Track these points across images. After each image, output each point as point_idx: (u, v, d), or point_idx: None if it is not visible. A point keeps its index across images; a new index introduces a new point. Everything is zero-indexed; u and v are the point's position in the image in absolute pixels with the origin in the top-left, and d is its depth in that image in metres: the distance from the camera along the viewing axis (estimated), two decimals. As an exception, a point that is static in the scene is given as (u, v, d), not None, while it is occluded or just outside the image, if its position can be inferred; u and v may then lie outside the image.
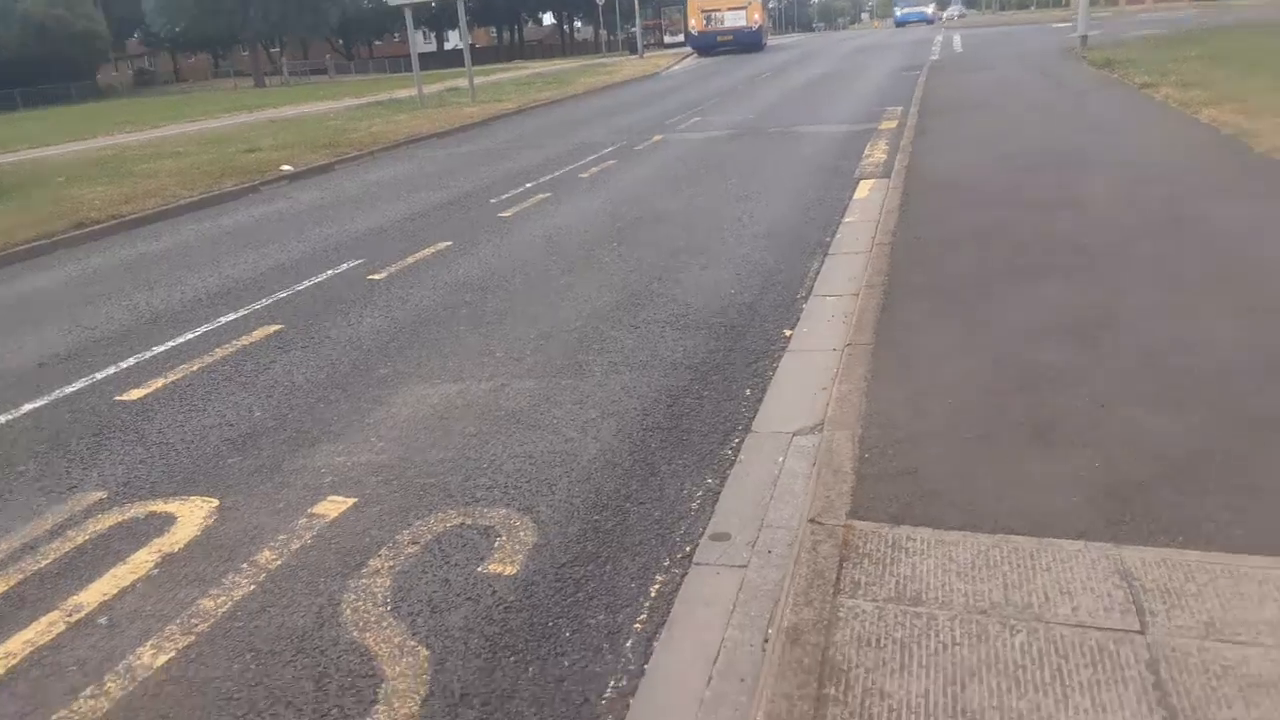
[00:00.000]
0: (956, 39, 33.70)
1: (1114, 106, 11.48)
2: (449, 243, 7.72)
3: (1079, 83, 14.39)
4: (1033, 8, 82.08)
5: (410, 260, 7.23)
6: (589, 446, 3.87)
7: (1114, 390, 3.58)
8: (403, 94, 24.95)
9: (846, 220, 7.52)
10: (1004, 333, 4.33)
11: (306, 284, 6.81)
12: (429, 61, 56.17)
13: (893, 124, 12.63)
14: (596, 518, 3.33)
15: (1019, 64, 18.98)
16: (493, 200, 9.52)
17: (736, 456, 3.74)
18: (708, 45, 38.49)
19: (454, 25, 73.96)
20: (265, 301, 6.43)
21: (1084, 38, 20.31)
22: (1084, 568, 2.46)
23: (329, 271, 7.11)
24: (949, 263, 5.57)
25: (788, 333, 5.09)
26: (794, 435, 3.86)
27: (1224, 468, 2.93)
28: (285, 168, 12.73)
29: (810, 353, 4.77)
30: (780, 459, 3.67)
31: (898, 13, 67.20)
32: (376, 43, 75.36)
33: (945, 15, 69.50)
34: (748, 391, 4.35)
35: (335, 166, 13.31)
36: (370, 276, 6.85)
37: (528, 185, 10.23)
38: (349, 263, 7.33)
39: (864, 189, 8.61)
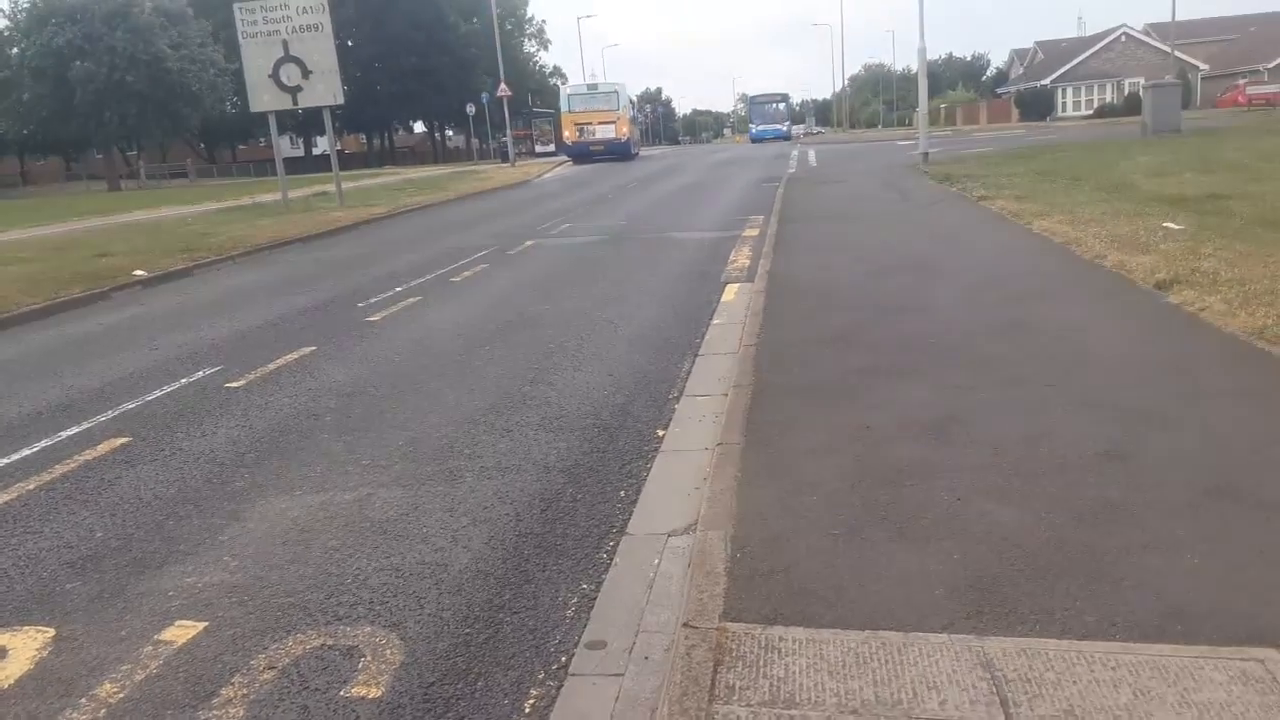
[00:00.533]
0: (811, 154, 35.76)
1: (955, 217, 12.35)
2: (313, 348, 7.51)
3: (923, 195, 15.45)
4: (879, 126, 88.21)
5: (271, 367, 6.98)
6: (460, 556, 3.76)
7: (968, 484, 3.74)
8: (267, 198, 24.46)
9: (715, 322, 7.73)
10: (865, 430, 4.49)
11: (158, 393, 6.47)
12: (296, 166, 55.55)
13: (755, 231, 13.18)
14: (468, 631, 3.21)
15: (869, 178, 20.25)
16: (361, 304, 9.36)
17: (612, 560, 3.69)
18: (582, 153, 42.47)
19: (322, 131, 73.71)
20: (112, 413, 6.07)
21: (926, 154, 21.92)
22: (949, 660, 2.51)
23: (183, 380, 6.78)
24: (811, 364, 5.77)
25: (661, 433, 5.14)
26: (669, 536, 3.85)
27: (1071, 556, 3.08)
28: (138, 273, 12.21)
29: (683, 453, 4.81)
30: (656, 561, 3.65)
31: (753, 129, 67.02)
32: (241, 146, 74.13)
33: (798, 131, 71.25)
34: (622, 493, 4.33)
35: (193, 271, 12.86)
36: (228, 384, 6.57)
37: (397, 289, 10.13)
38: (205, 370, 7.02)
39: (730, 292, 8.89)
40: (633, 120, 52.40)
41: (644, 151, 54.73)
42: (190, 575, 3.75)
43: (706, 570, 3.20)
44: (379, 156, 72.50)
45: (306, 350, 7.45)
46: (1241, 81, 54.00)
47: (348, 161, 65.47)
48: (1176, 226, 8.92)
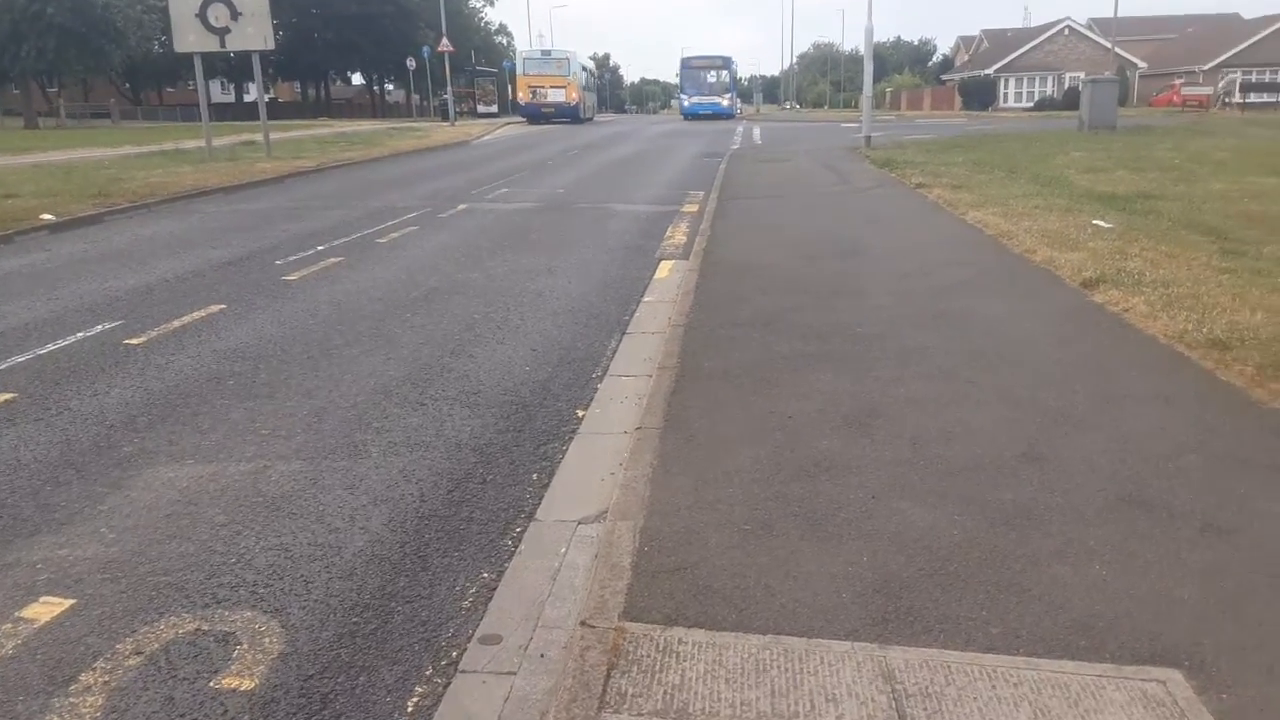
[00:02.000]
0: (756, 131, 35.70)
1: (892, 204, 12.37)
2: (223, 306, 7.16)
3: (862, 180, 15.46)
4: (826, 106, 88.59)
5: (176, 324, 6.64)
6: (355, 538, 3.57)
7: (884, 481, 3.67)
8: (191, 144, 23.52)
9: (646, 299, 7.58)
10: (786, 419, 4.40)
11: (51, 347, 6.09)
12: (226, 112, 53.63)
13: (694, 207, 13.04)
14: (356, 620, 3.04)
15: (810, 158, 20.24)
16: (279, 262, 8.99)
17: (517, 548, 3.54)
18: (534, 114, 47.15)
19: (254, 77, 71.26)
20: (-3, 366, 5.70)
21: (868, 138, 21.97)
22: (850, 671, 2.43)
23: (80, 334, 6.40)
24: (739, 347, 5.67)
25: (580, 413, 4.98)
26: (578, 524, 3.71)
27: (981, 563, 3.03)
28: (46, 217, 11.59)
29: (601, 435, 4.67)
30: (563, 550, 3.51)
31: (685, 101, 53.48)
32: (168, 89, 71.30)
33: (753, 108, 65.47)
34: (535, 476, 4.18)
35: (105, 218, 12.25)
36: (127, 341, 6.21)
37: (319, 248, 9.76)
38: (105, 325, 6.64)
39: (664, 269, 8.75)
40: (584, 86, 53.39)
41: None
42: (63, 547, 3.50)
43: (612, 564, 3.08)
44: (314, 107, 70.43)
45: (215, 308, 7.10)
46: (1177, 82, 55.38)
47: (280, 111, 63.45)
48: (1106, 224, 9.02)
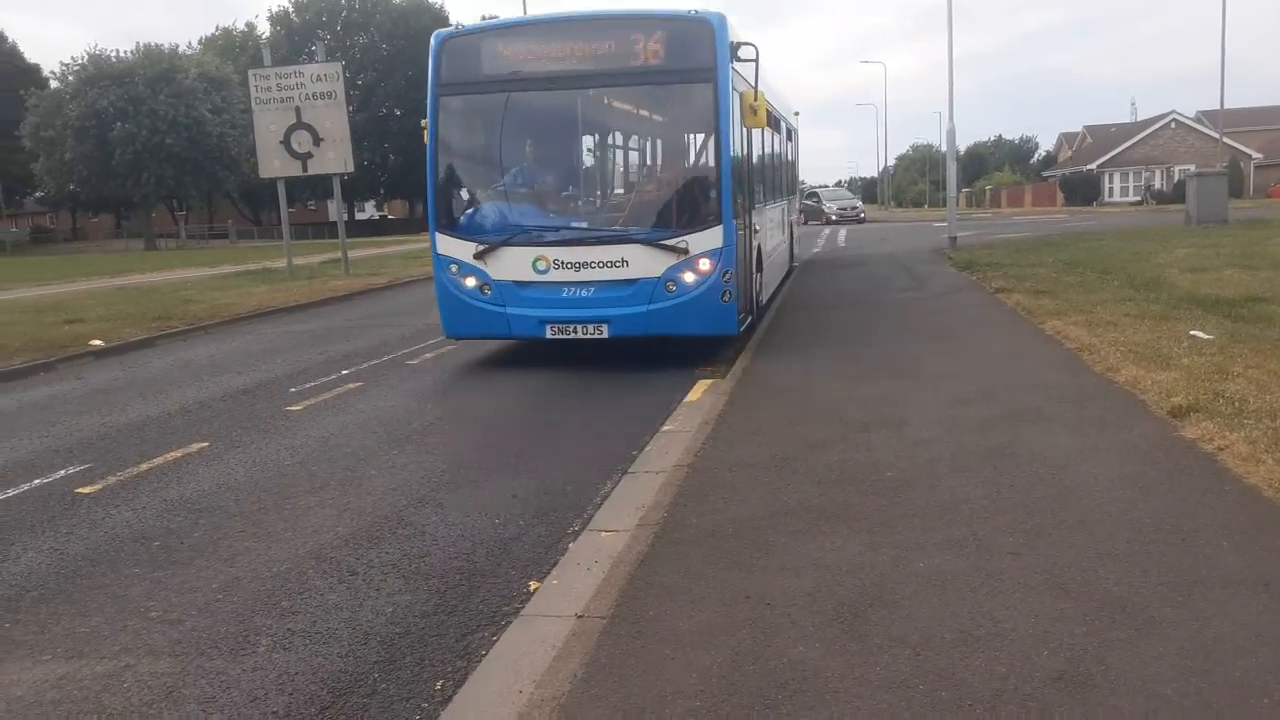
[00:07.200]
0: (842, 234, 34.92)
1: (965, 311, 11.32)
2: (204, 444, 6.67)
3: (939, 284, 14.43)
4: (925, 206, 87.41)
5: (144, 467, 6.14)
6: (170, 784, 2.80)
7: None
8: (280, 264, 24.13)
9: (665, 428, 6.75)
10: (764, 607, 3.49)
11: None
12: (336, 230, 56.05)
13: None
14: None
15: (889, 262, 19.28)
16: (293, 389, 8.54)
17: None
18: None
19: (366, 196, 74.62)
20: (-70, 520, 5.24)
21: (953, 239, 20.94)
22: None
23: (36, 480, 5.94)
24: (739, 497, 4.79)
25: (534, 586, 4.16)
26: (462, 764, 2.86)
27: None
28: (95, 342, 11.61)
29: (546, 619, 3.81)
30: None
31: (458, 281, 8.65)
32: (290, 209, 75.24)
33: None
34: (439, 685, 3.35)
35: (157, 342, 12.23)
36: (80, 489, 5.71)
37: (344, 372, 9.32)
38: (70, 468, 6.17)
39: (698, 390, 7.92)
40: None
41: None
42: None
43: None
44: (420, 223, 73.15)
45: (195, 447, 6.61)
46: (1298, 171, 52.51)
47: (390, 227, 66.01)
48: (1205, 336, 7.81)
